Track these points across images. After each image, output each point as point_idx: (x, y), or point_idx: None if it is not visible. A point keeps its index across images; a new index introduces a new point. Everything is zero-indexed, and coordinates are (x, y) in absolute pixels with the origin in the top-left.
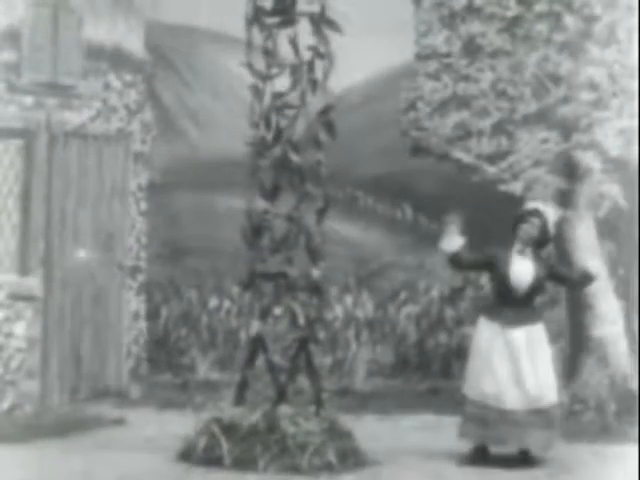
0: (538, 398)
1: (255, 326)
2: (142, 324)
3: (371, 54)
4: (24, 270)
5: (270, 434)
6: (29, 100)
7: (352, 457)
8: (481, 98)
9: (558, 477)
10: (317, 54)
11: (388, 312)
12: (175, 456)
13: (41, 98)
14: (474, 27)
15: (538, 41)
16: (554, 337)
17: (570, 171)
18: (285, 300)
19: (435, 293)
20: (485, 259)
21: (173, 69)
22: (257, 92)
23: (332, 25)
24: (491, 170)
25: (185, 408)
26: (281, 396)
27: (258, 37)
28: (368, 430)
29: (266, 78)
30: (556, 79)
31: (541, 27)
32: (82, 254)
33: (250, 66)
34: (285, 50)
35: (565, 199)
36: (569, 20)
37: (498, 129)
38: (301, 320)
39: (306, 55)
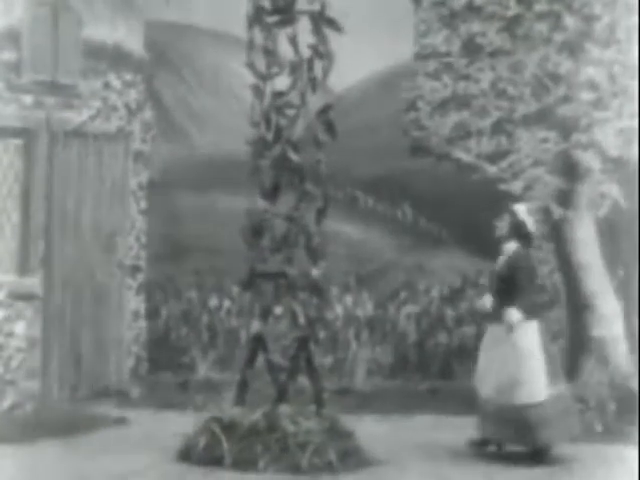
0: (524, 393)
1: (255, 326)
2: (142, 323)
3: (371, 53)
4: (24, 270)
5: (270, 433)
6: (29, 99)
7: (352, 457)
8: (481, 98)
9: (558, 477)
10: (317, 53)
11: (388, 312)
12: (175, 455)
13: (41, 97)
14: (474, 27)
15: (538, 41)
16: (555, 337)
17: (570, 171)
18: (285, 300)
19: (435, 293)
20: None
21: (173, 68)
22: (257, 91)
23: (332, 24)
24: (491, 170)
25: (185, 407)
26: (281, 395)
27: (259, 36)
28: (368, 430)
29: (266, 77)
30: (556, 79)
31: (541, 27)
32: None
33: (251, 65)
34: (285, 49)
35: (565, 199)
36: (569, 20)
37: (498, 129)
38: (301, 320)
39: (306, 54)
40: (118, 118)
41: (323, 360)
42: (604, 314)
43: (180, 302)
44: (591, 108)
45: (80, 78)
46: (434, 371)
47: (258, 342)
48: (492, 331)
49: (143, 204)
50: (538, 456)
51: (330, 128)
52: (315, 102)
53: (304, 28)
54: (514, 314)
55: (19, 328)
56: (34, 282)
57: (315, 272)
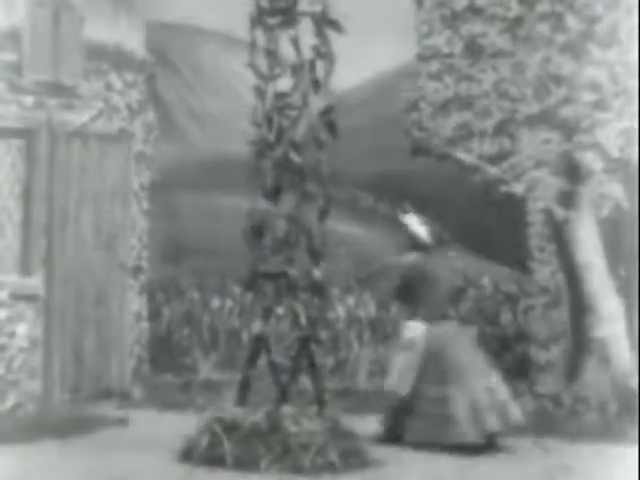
0: None
1: (257, 326)
2: (144, 324)
3: (373, 54)
4: (26, 270)
5: (272, 434)
6: (30, 100)
7: (354, 457)
8: (483, 99)
9: (559, 477)
10: (319, 54)
11: (390, 312)
12: (177, 456)
13: (42, 98)
14: (476, 28)
15: (540, 42)
16: (556, 337)
17: (572, 172)
18: (287, 300)
19: None
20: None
21: (175, 69)
22: (259, 92)
23: (334, 25)
24: (493, 171)
25: (187, 408)
26: (283, 396)
27: (261, 38)
28: (370, 430)
29: (268, 78)
30: (558, 80)
31: (543, 28)
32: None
33: (253, 66)
34: (287, 51)
35: (567, 200)
36: (570, 21)
37: (500, 130)
38: (303, 320)
39: (308, 55)
40: (120, 119)
41: (325, 360)
42: (606, 314)
43: (182, 303)
44: (593, 109)
45: (81, 79)
46: None
47: (260, 342)
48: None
49: (145, 205)
50: (488, 445)
51: (332, 129)
52: (317, 103)
53: (306, 29)
54: (413, 327)
55: (21, 329)
56: (36, 283)
57: (317, 272)
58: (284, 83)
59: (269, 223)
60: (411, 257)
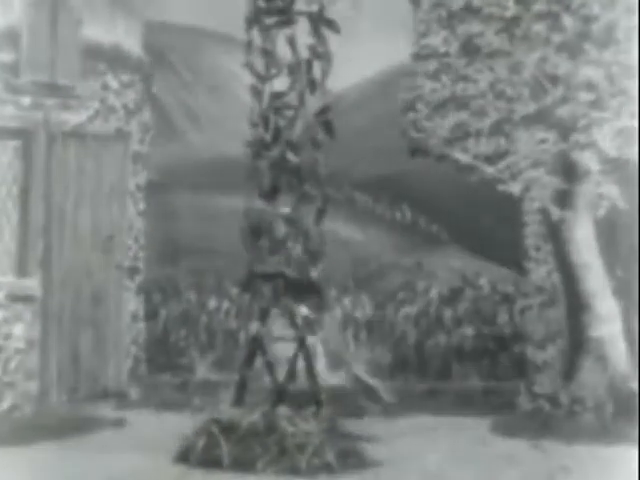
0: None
1: (254, 327)
2: (141, 324)
3: (370, 54)
4: (23, 271)
5: (269, 434)
6: (27, 100)
7: (351, 457)
8: (480, 98)
9: (556, 477)
10: (315, 54)
11: (387, 313)
12: (174, 456)
13: (39, 98)
14: (472, 27)
15: (536, 41)
16: (553, 337)
17: (568, 171)
18: (284, 301)
19: (434, 294)
20: None
21: (172, 69)
22: (256, 92)
23: (330, 25)
24: (489, 170)
25: (184, 408)
26: (280, 397)
27: (257, 38)
28: (367, 430)
29: (265, 78)
30: (554, 79)
31: (539, 27)
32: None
33: (250, 66)
34: (284, 51)
35: (563, 199)
36: (567, 20)
37: (496, 129)
38: (299, 321)
39: (305, 55)
40: (116, 119)
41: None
42: (602, 314)
43: (179, 303)
44: (589, 109)
45: (79, 79)
46: (433, 372)
47: (257, 343)
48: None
49: (141, 205)
50: None
51: (329, 129)
52: (314, 103)
53: (303, 29)
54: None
55: (17, 330)
56: (33, 283)
57: (314, 273)
58: (281, 83)
59: (266, 224)
60: None
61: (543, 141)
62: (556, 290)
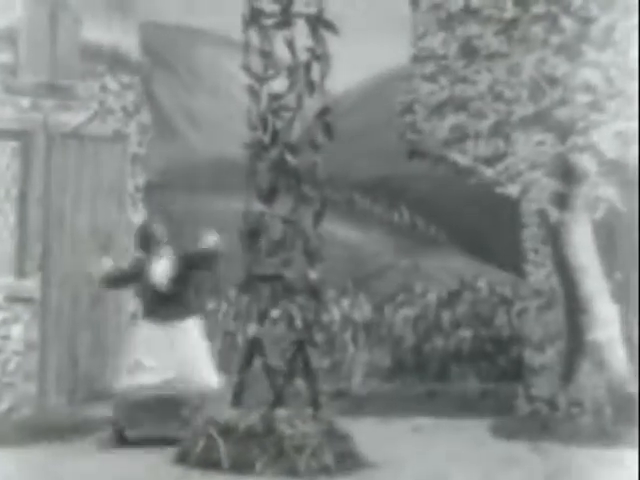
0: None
1: (252, 329)
2: None
3: (368, 56)
4: (21, 272)
5: (267, 436)
6: (26, 101)
7: (349, 459)
8: (478, 100)
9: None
10: (314, 56)
11: (385, 315)
12: (172, 458)
13: (38, 99)
14: (471, 29)
15: (535, 43)
16: (551, 340)
17: (567, 173)
18: (282, 303)
19: (432, 296)
20: (132, 270)
21: (170, 70)
22: (254, 94)
23: (329, 26)
24: (488, 172)
25: None
26: (278, 398)
27: (255, 39)
28: (365, 432)
29: (263, 80)
30: (553, 81)
31: (538, 29)
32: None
33: (247, 68)
34: (282, 52)
35: (562, 202)
36: (566, 22)
37: (495, 131)
38: (298, 323)
39: (303, 57)
40: (115, 120)
41: (320, 363)
42: (601, 317)
43: None
44: (588, 110)
45: (78, 80)
46: (431, 374)
47: (255, 345)
48: (146, 328)
49: (140, 206)
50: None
51: (327, 131)
52: (312, 105)
53: (302, 31)
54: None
55: (16, 331)
56: (31, 285)
57: (312, 275)
58: (279, 85)
59: (265, 225)
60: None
61: (541, 143)
62: (554, 293)
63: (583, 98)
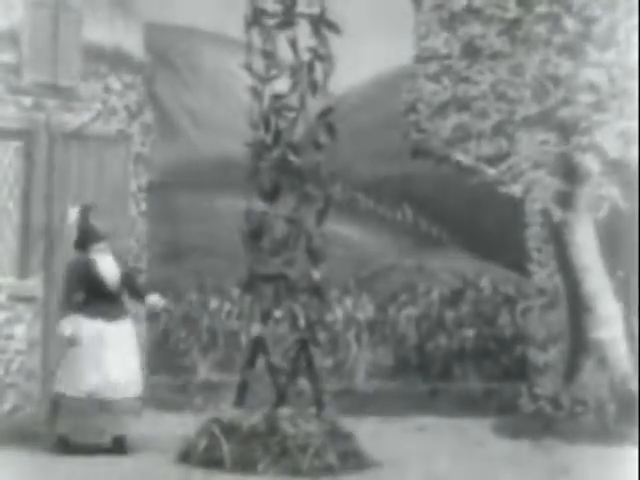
0: (124, 388)
1: (256, 328)
2: (142, 325)
3: (371, 56)
4: (24, 272)
5: (270, 436)
6: (29, 101)
7: (352, 459)
8: (481, 100)
9: (558, 478)
10: (317, 56)
11: (388, 314)
12: (175, 457)
13: (41, 99)
14: (474, 29)
15: (538, 43)
16: (554, 339)
17: (569, 173)
18: (285, 302)
19: (435, 295)
20: (82, 272)
21: (173, 70)
22: (256, 94)
23: (332, 27)
24: (491, 172)
25: (185, 409)
26: (281, 398)
27: (258, 39)
28: (368, 432)
29: (265, 80)
30: (555, 81)
31: (540, 29)
32: None
33: (250, 68)
34: (285, 52)
35: (565, 201)
36: (568, 22)
37: (498, 131)
38: (301, 322)
39: (306, 57)
40: (118, 120)
41: (323, 362)
42: (603, 316)
43: (180, 304)
44: (591, 110)
45: (80, 80)
46: (434, 373)
47: (258, 344)
48: (81, 326)
49: (143, 206)
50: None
51: (330, 130)
52: (315, 105)
53: (304, 31)
54: (66, 327)
55: (19, 330)
56: (34, 284)
57: (315, 274)
58: (282, 85)
59: (267, 225)
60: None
61: (544, 142)
62: (558, 292)
63: (586, 98)
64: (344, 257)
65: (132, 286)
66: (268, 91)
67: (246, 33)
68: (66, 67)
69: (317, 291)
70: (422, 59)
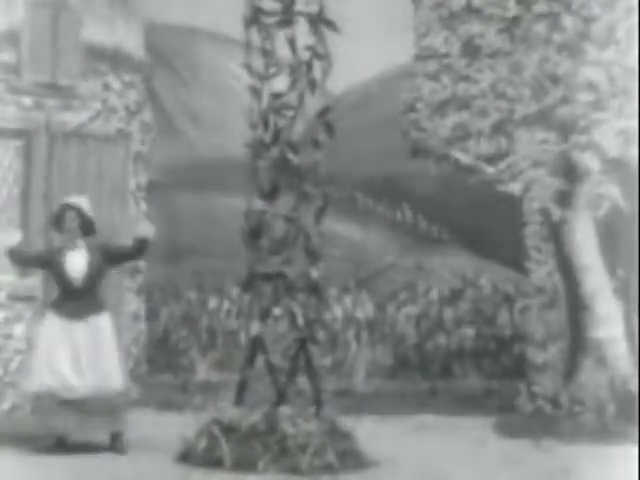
0: (101, 386)
1: (255, 327)
2: (142, 325)
3: (370, 55)
4: (24, 271)
5: (270, 435)
6: (29, 101)
7: (352, 458)
8: (480, 99)
9: (557, 478)
10: (315, 54)
11: (387, 313)
12: (175, 457)
13: (41, 99)
14: (473, 28)
15: (537, 42)
16: (554, 338)
17: (569, 172)
18: (284, 301)
19: (434, 294)
20: (44, 256)
21: (172, 69)
22: (255, 93)
23: (330, 25)
24: (490, 171)
25: (185, 409)
26: (281, 397)
27: (256, 38)
28: (368, 431)
29: (264, 79)
30: (555, 80)
31: (540, 28)
32: None
33: (248, 67)
34: (283, 51)
35: (564, 200)
36: (568, 20)
37: (497, 130)
38: (300, 321)
39: (304, 56)
40: (117, 119)
41: (322, 361)
42: (603, 315)
43: (179, 303)
44: (590, 109)
45: (80, 79)
46: (433, 372)
47: (257, 343)
48: (51, 323)
49: (142, 205)
50: (115, 444)
51: (329, 129)
52: (314, 103)
53: (303, 30)
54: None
55: (18, 329)
56: (33, 283)
57: (314, 273)
58: (280, 83)
59: (266, 223)
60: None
61: (544, 141)
62: (557, 291)
63: (585, 96)
64: (343, 256)
65: (117, 253)
66: (267, 90)
67: (245, 32)
68: (66, 67)
69: (315, 290)
70: (422, 58)
